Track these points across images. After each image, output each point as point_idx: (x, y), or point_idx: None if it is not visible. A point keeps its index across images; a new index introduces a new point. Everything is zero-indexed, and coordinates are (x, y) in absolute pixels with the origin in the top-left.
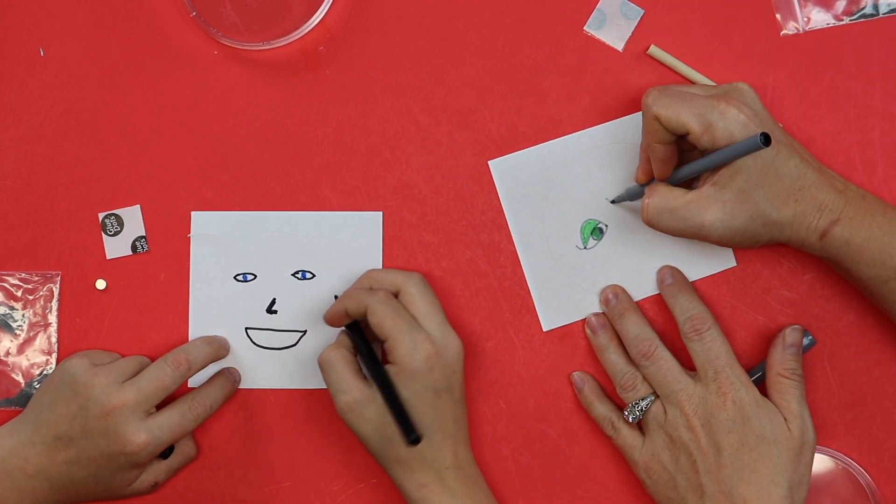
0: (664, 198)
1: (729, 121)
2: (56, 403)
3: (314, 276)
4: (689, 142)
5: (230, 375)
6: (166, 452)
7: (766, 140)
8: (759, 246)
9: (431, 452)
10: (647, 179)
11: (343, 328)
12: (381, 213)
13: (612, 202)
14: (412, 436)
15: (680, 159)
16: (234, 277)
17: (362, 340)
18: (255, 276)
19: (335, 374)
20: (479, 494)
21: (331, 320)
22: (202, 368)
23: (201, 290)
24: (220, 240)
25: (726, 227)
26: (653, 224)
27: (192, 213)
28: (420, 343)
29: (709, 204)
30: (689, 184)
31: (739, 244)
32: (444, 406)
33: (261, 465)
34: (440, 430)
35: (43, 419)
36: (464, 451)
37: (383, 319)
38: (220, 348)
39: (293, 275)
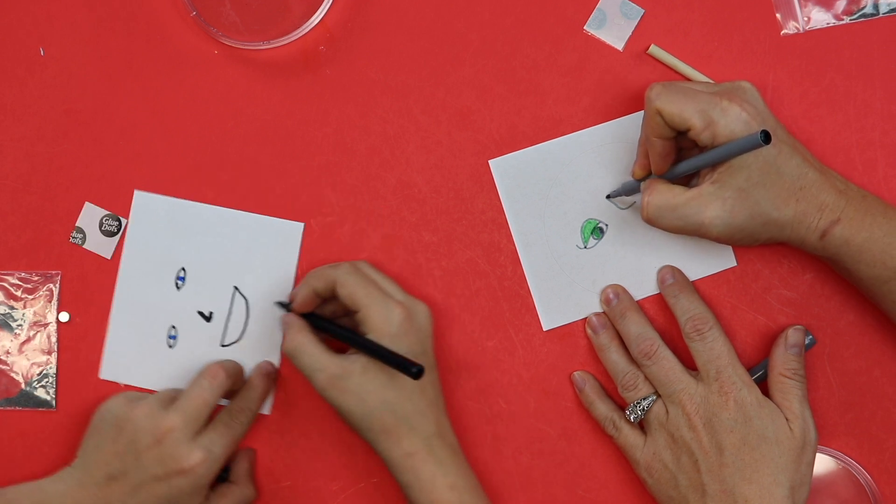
0: (664, 196)
1: (731, 118)
2: (102, 445)
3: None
4: (690, 138)
5: (262, 369)
6: (224, 475)
7: (766, 138)
8: (758, 244)
9: (416, 418)
10: (644, 174)
11: (285, 315)
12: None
13: (608, 197)
14: (415, 368)
15: (677, 157)
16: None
17: (323, 319)
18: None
19: (307, 356)
20: (463, 466)
21: (301, 306)
22: (238, 376)
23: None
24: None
25: (726, 224)
26: (652, 222)
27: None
28: (393, 308)
29: (709, 202)
30: (685, 181)
31: (739, 242)
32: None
33: (261, 464)
34: (422, 396)
35: (92, 461)
36: (444, 420)
37: (355, 289)
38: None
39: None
